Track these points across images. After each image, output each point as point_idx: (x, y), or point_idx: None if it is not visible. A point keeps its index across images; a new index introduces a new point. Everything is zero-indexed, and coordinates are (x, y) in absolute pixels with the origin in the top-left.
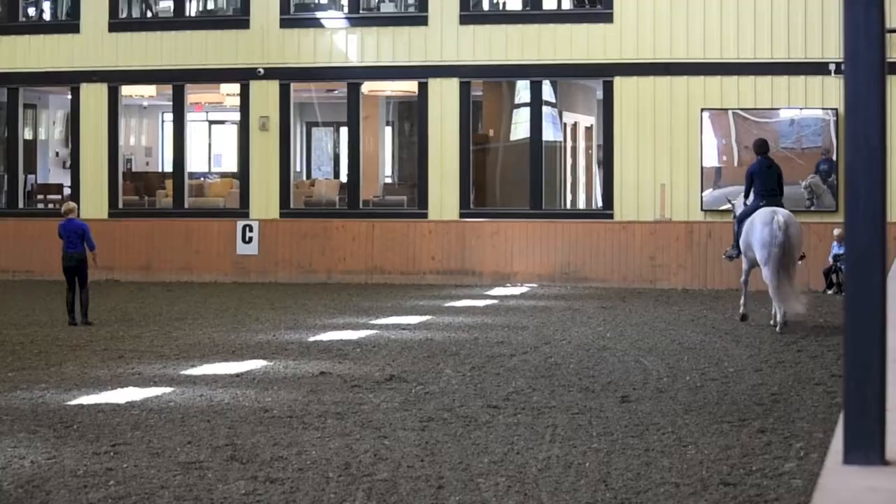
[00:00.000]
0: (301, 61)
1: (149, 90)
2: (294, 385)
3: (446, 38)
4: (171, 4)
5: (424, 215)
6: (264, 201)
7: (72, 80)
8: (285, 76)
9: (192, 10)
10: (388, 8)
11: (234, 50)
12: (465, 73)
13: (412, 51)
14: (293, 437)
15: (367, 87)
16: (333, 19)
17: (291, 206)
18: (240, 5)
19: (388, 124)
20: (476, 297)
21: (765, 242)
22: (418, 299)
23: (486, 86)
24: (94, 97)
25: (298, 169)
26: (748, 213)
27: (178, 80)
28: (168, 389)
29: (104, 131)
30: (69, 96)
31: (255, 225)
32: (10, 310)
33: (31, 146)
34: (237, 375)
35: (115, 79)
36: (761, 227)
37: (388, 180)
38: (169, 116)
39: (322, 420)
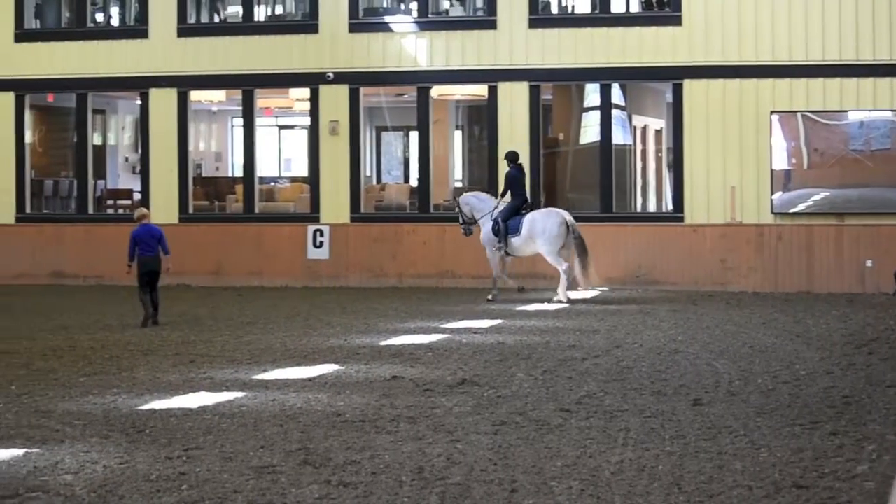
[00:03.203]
0: (370, 65)
1: (218, 95)
2: (366, 389)
3: (515, 42)
4: (239, 9)
5: None
6: (335, 206)
7: (141, 85)
8: (355, 80)
9: (260, 14)
10: (456, 12)
11: (303, 54)
12: (534, 77)
13: (481, 55)
14: (366, 441)
15: (437, 91)
16: (402, 23)
17: (362, 210)
18: (309, 10)
19: (457, 128)
20: (546, 301)
21: (555, 235)
22: (489, 303)
23: (555, 89)
24: (163, 102)
25: (369, 173)
26: (512, 210)
27: (247, 85)
28: (240, 394)
29: (174, 136)
30: (138, 101)
31: (326, 229)
32: (80, 315)
33: (100, 152)
34: (309, 380)
35: (184, 84)
36: (555, 222)
37: (459, 184)
38: (238, 121)
39: (395, 424)
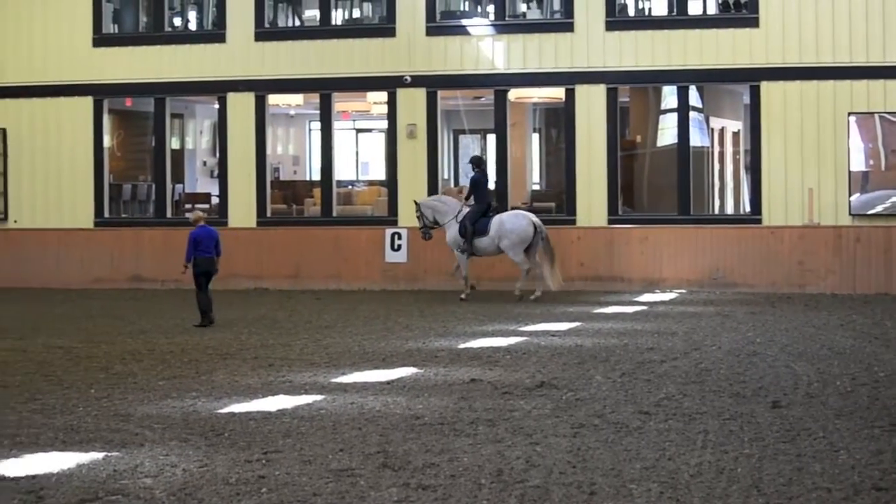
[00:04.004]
0: (448, 69)
1: (296, 99)
2: (445, 392)
3: (593, 45)
4: (317, 13)
5: (573, 222)
6: (413, 209)
7: (218, 89)
8: (432, 84)
9: (338, 18)
10: (534, 14)
11: (380, 58)
12: (611, 79)
13: (559, 57)
14: (445, 444)
15: (514, 93)
16: (479, 26)
17: None
18: (386, 13)
19: (535, 131)
20: (625, 304)
21: (523, 236)
22: (567, 306)
23: (632, 91)
24: (241, 106)
25: (446, 176)
26: (478, 213)
27: (324, 89)
28: (319, 397)
29: (251, 140)
30: (216, 105)
31: (404, 232)
32: (159, 318)
33: (178, 156)
34: (388, 383)
35: (261, 88)
36: (522, 223)
37: (536, 187)
38: (316, 125)
39: (473, 427)
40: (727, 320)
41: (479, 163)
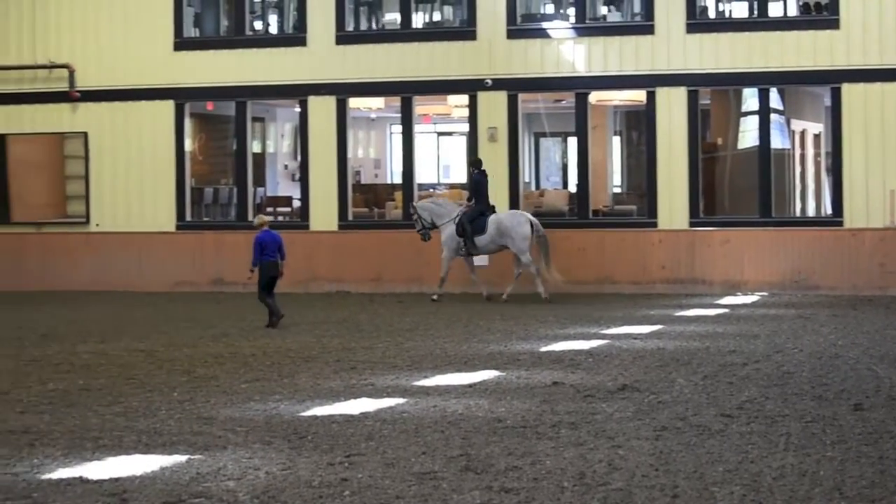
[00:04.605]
0: (528, 72)
1: (377, 102)
2: (527, 395)
3: (673, 47)
4: (397, 16)
5: (654, 224)
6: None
7: (300, 93)
8: (513, 87)
9: (418, 21)
10: (614, 17)
11: (461, 61)
12: (692, 82)
13: (639, 60)
14: (527, 447)
15: (595, 96)
16: (560, 29)
17: None
18: (466, 16)
19: (616, 134)
20: (707, 307)
21: (524, 235)
22: (649, 309)
23: (713, 94)
24: (322, 110)
25: (527, 179)
26: (477, 213)
27: (405, 92)
28: (401, 400)
29: (332, 144)
30: (297, 109)
31: None
32: (241, 322)
33: (259, 159)
34: (470, 386)
35: (342, 91)
36: (521, 222)
37: (617, 190)
38: (397, 128)
39: (556, 430)
40: (809, 323)
41: (478, 164)
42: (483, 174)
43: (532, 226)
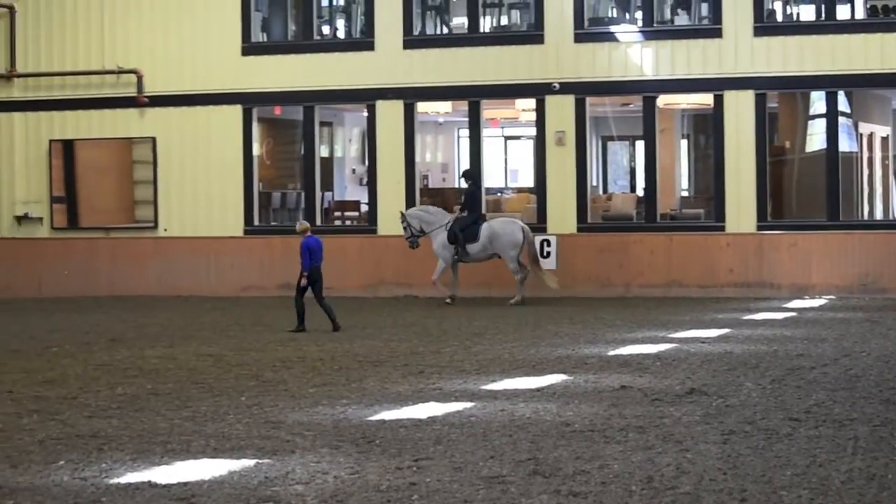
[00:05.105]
0: (596, 75)
1: (444, 106)
2: (595, 399)
3: (741, 50)
4: (465, 21)
5: (722, 228)
6: (561, 216)
7: (367, 97)
8: (580, 90)
9: (486, 25)
10: (682, 20)
11: (529, 65)
12: (760, 85)
13: (707, 63)
14: (595, 451)
15: (663, 100)
16: (627, 33)
17: (588, 220)
18: (534, 20)
19: (683, 137)
20: (774, 310)
21: (515, 242)
22: (716, 312)
23: (780, 97)
24: (389, 114)
25: (595, 183)
26: (469, 221)
27: (473, 96)
28: (469, 404)
29: (400, 148)
30: (365, 113)
31: (553, 239)
32: (309, 326)
33: (327, 164)
34: (538, 390)
35: (410, 95)
36: (514, 230)
37: (685, 193)
38: (465, 132)
39: (624, 434)
40: (876, 326)
41: (471, 176)
42: (477, 186)
43: (524, 233)
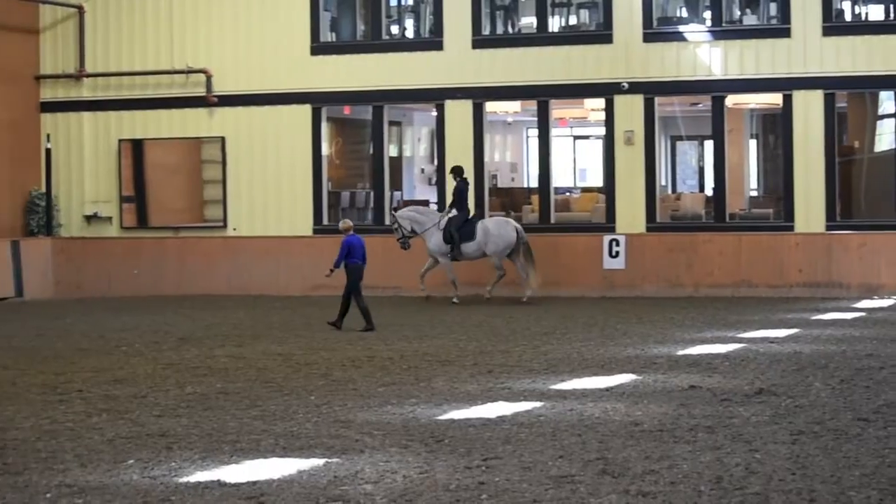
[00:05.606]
0: (665, 75)
1: (513, 106)
2: (664, 399)
3: (809, 50)
4: (533, 20)
5: (791, 228)
6: (630, 215)
7: (436, 96)
8: (649, 90)
9: (554, 25)
10: (750, 20)
11: (597, 64)
12: (828, 85)
13: (776, 63)
14: (664, 451)
15: (731, 99)
16: (696, 32)
17: (657, 219)
18: (603, 20)
19: (752, 137)
20: (843, 310)
21: (508, 241)
22: (785, 312)
23: (849, 97)
24: (458, 113)
25: (664, 183)
26: (462, 220)
27: (542, 96)
28: (538, 404)
29: (469, 147)
30: (434, 113)
31: (622, 239)
32: (378, 325)
33: (396, 163)
34: (607, 389)
35: (479, 95)
36: (508, 229)
37: (754, 193)
38: (533, 132)
39: (693, 433)
40: None
41: (461, 172)
42: (465, 182)
43: (517, 233)
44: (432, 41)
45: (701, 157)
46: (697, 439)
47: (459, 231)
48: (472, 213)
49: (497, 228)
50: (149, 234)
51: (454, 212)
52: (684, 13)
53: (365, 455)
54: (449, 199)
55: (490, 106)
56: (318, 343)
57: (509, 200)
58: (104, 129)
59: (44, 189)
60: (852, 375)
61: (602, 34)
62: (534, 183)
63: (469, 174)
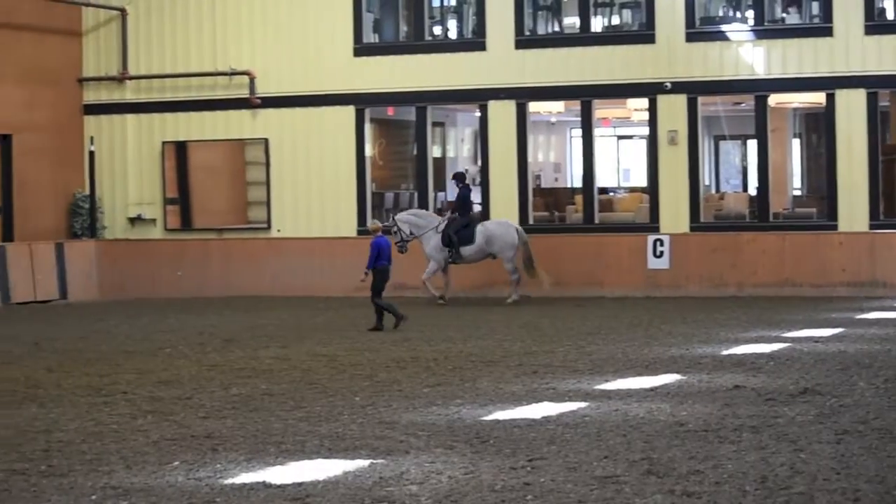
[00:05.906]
0: (707, 75)
1: (556, 106)
2: (708, 399)
3: (852, 49)
4: (576, 20)
5: (834, 227)
6: (674, 215)
7: (479, 97)
8: (692, 90)
9: (597, 25)
10: (792, 19)
11: (640, 64)
12: (871, 84)
13: (818, 62)
14: (709, 451)
15: (774, 99)
16: (739, 32)
17: (701, 219)
18: (645, 20)
19: (795, 136)
20: (887, 309)
21: (511, 243)
22: (829, 311)
23: (892, 96)
24: (502, 114)
25: (707, 182)
26: (462, 224)
27: (585, 96)
28: (583, 404)
29: (513, 148)
30: (477, 113)
31: (666, 239)
32: (421, 326)
33: (439, 164)
34: (651, 389)
35: (522, 95)
36: (510, 232)
37: (797, 192)
38: (577, 132)
39: (737, 433)
40: None
41: (462, 178)
42: (468, 188)
43: (518, 233)
44: (475, 42)
45: (744, 157)
46: (742, 439)
47: (458, 234)
48: (475, 217)
49: (498, 231)
50: (193, 236)
51: (455, 215)
52: (727, 13)
53: (410, 456)
54: (491, 201)
55: (533, 106)
56: (362, 344)
57: (553, 200)
58: (147, 132)
59: (87, 192)
60: None
61: (645, 34)
62: (577, 183)
63: (513, 174)
